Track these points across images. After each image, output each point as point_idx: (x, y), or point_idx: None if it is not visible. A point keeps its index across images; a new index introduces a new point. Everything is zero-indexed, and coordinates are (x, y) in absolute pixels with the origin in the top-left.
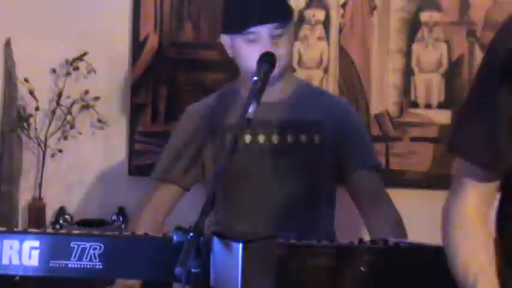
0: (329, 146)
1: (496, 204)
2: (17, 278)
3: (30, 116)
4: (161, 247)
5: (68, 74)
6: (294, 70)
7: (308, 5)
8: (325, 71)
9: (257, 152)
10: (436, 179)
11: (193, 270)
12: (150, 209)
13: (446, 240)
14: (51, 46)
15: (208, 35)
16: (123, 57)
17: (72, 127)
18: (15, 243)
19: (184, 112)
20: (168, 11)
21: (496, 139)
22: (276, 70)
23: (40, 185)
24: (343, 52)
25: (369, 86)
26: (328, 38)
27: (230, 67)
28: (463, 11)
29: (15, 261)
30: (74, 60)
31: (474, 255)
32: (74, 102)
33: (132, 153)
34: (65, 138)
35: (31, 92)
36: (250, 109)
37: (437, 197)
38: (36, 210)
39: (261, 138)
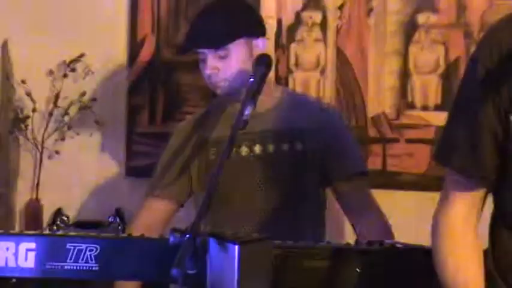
0: (312, 153)
1: (488, 214)
2: (13, 280)
3: (28, 117)
4: (157, 248)
5: (65, 75)
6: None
7: (305, 7)
8: (322, 72)
9: (240, 163)
10: (433, 181)
11: (189, 271)
12: (140, 228)
13: (434, 249)
14: (48, 47)
15: None
16: (121, 58)
17: (69, 128)
18: (11, 245)
19: (174, 129)
20: (166, 13)
21: (480, 150)
22: (222, 89)
23: (37, 186)
24: (340, 54)
25: (365, 88)
26: (325, 40)
27: None
28: (459, 13)
29: (12, 263)
30: (71, 61)
31: (461, 266)
32: (71, 104)
33: (129, 154)
34: (62, 139)
35: (28, 94)
36: (246, 111)
37: (434, 198)
38: (33, 211)
39: (244, 150)
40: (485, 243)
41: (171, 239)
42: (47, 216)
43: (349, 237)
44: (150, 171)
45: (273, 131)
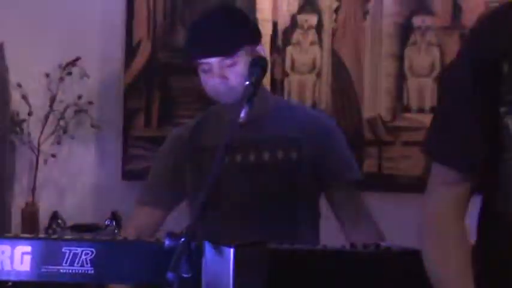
0: (307, 161)
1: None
2: (10, 284)
3: (23, 120)
4: (153, 252)
5: (61, 78)
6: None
7: (301, 10)
8: (318, 75)
9: (235, 170)
10: None
11: (185, 275)
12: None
13: (422, 247)
14: (44, 51)
15: None
16: (116, 62)
17: (65, 132)
18: (6, 248)
19: (168, 135)
20: (161, 16)
21: (466, 141)
22: (228, 98)
23: (33, 189)
24: (335, 57)
25: (361, 91)
26: (320, 43)
27: None
28: (455, 16)
29: (7, 266)
30: (67, 65)
31: (447, 260)
32: (67, 107)
33: (125, 157)
34: (58, 143)
35: (24, 97)
36: (242, 114)
37: None
38: (30, 214)
39: (238, 158)
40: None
41: (167, 242)
42: (43, 220)
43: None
44: (146, 174)
45: (268, 139)
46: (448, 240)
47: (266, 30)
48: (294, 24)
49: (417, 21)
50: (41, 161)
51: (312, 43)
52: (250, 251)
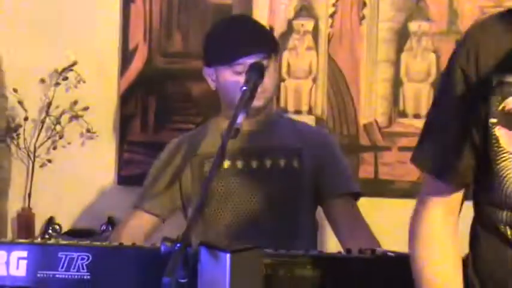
0: (307, 171)
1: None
2: None
3: (20, 126)
4: (149, 257)
5: (57, 84)
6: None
7: (297, 15)
8: (314, 80)
9: (235, 175)
10: None
11: (181, 280)
12: (125, 236)
13: (411, 255)
14: (40, 56)
15: (197, 45)
16: (113, 67)
17: (61, 137)
18: (2, 253)
19: (168, 144)
20: (158, 21)
21: (455, 153)
22: (262, 101)
23: (29, 195)
24: (331, 62)
25: (357, 96)
26: (317, 48)
27: None
28: (451, 21)
29: (3, 271)
30: (63, 70)
31: (437, 271)
32: (63, 113)
33: (121, 163)
34: (54, 148)
35: (20, 102)
36: (239, 119)
37: None
38: (26, 220)
39: (240, 164)
40: (465, 248)
41: (163, 248)
42: (39, 225)
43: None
44: (142, 179)
45: (271, 146)
46: (443, 255)
47: None
48: (290, 29)
49: (413, 26)
50: (36, 166)
51: (308, 48)
52: (246, 256)
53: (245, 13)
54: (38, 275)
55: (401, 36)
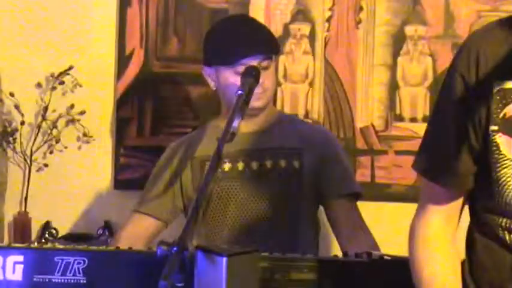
0: (308, 172)
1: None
2: None
3: (16, 130)
4: (145, 261)
5: (54, 88)
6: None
7: (293, 19)
8: (311, 84)
9: (236, 177)
10: None
11: (177, 284)
12: (126, 240)
13: (411, 259)
14: (36, 60)
15: (193, 50)
16: (109, 71)
17: (57, 141)
18: None
19: (167, 147)
20: (154, 26)
21: (455, 160)
22: (262, 102)
23: (26, 199)
24: (328, 66)
25: (354, 100)
26: (313, 52)
27: None
28: (447, 25)
29: None
30: (60, 74)
31: (437, 276)
32: (59, 117)
33: (117, 167)
34: (51, 152)
35: (16, 106)
36: (234, 123)
37: None
38: (22, 224)
39: (240, 166)
40: (463, 252)
41: (159, 251)
42: (35, 230)
43: None
44: (139, 184)
45: (271, 147)
46: (442, 261)
47: None
48: (286, 33)
49: (410, 30)
50: (33, 170)
51: (304, 52)
52: (243, 259)
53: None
54: (34, 280)
55: (398, 40)
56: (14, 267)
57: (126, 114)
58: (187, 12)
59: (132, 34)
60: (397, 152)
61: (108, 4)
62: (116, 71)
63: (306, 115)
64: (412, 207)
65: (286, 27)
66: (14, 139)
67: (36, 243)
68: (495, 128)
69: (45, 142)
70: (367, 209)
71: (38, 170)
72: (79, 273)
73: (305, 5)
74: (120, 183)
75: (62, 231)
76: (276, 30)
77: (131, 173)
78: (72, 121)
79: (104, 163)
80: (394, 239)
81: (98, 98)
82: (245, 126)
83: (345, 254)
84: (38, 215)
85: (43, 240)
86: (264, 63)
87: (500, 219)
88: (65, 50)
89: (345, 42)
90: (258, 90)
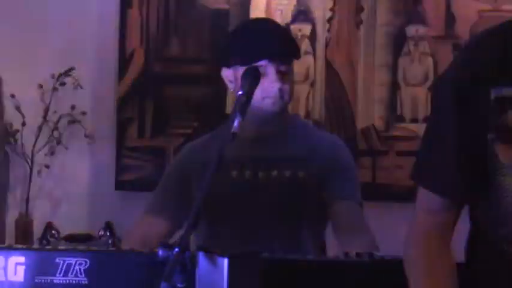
0: (313, 181)
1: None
2: None
3: (17, 131)
4: (147, 262)
5: (55, 89)
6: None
7: (294, 20)
8: (312, 85)
9: (242, 186)
10: None
11: (178, 285)
12: (138, 241)
13: (407, 269)
14: (37, 61)
15: (194, 50)
16: (110, 72)
17: (59, 142)
18: (0, 259)
19: (183, 148)
20: (155, 26)
21: (452, 169)
22: (277, 106)
23: (27, 200)
24: (329, 66)
25: (355, 100)
26: (314, 53)
27: (216, 81)
28: (448, 25)
29: (1, 277)
30: (61, 75)
31: (434, 285)
32: (60, 118)
33: (119, 168)
34: (52, 153)
35: (18, 108)
36: (235, 123)
37: None
38: (24, 225)
39: (247, 175)
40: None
41: (160, 253)
42: (37, 231)
43: None
44: (140, 184)
45: (278, 156)
46: (439, 269)
47: None
48: None
49: (410, 30)
50: (34, 171)
51: (305, 53)
52: (244, 261)
53: (243, 18)
54: (36, 281)
55: (399, 41)
56: (15, 269)
57: (127, 115)
58: (188, 13)
59: (133, 35)
60: (398, 153)
61: (109, 4)
62: (116, 72)
63: (307, 115)
64: (413, 207)
65: (287, 28)
66: (15, 140)
67: (37, 244)
68: (493, 136)
69: (46, 143)
70: (368, 210)
71: (39, 171)
72: (81, 274)
73: (306, 6)
74: (121, 184)
75: (64, 232)
76: None
77: (132, 174)
78: (73, 122)
79: (105, 164)
80: (395, 240)
81: (99, 98)
82: (258, 131)
83: (345, 254)
84: (40, 216)
85: (44, 241)
86: (283, 68)
87: (503, 229)
88: (66, 51)
89: (345, 42)
90: (275, 94)
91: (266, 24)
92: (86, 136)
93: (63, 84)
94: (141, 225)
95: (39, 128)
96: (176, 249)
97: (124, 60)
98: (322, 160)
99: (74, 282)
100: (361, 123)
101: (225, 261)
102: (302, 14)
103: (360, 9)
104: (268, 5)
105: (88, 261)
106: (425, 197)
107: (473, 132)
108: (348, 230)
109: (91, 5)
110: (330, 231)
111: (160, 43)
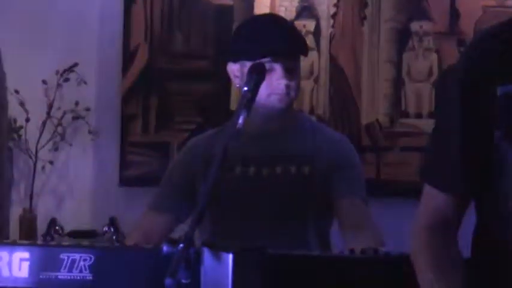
0: (319, 178)
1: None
2: None
3: (21, 127)
4: (151, 258)
5: (59, 85)
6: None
7: (298, 16)
8: (316, 81)
9: (246, 183)
10: None
11: (183, 281)
12: (141, 237)
13: (414, 263)
14: (41, 57)
15: (198, 45)
16: (114, 67)
17: (62, 138)
18: (5, 255)
19: (186, 144)
20: (159, 22)
21: (458, 165)
22: (284, 103)
23: (31, 196)
24: (333, 62)
25: (359, 96)
26: (318, 48)
27: (220, 77)
28: (453, 21)
29: (5, 273)
30: (65, 71)
31: (439, 281)
32: (64, 114)
33: (123, 164)
34: (56, 149)
35: (22, 104)
36: (240, 120)
37: None
38: (27, 222)
39: (251, 171)
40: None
41: (165, 248)
42: (41, 227)
43: None
44: (144, 180)
45: (283, 153)
46: (445, 265)
47: None
48: None
49: (415, 26)
50: (38, 167)
51: (309, 49)
52: (249, 256)
53: (247, 13)
54: (40, 276)
55: (403, 36)
56: (20, 264)
57: (131, 111)
58: (192, 9)
59: (136, 30)
60: (403, 149)
61: (113, 0)
62: (121, 67)
63: (311, 111)
64: (418, 203)
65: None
66: (19, 136)
67: (42, 240)
68: (500, 133)
69: (50, 139)
70: (372, 206)
71: (43, 167)
72: (85, 269)
73: (310, 2)
74: (126, 179)
75: (68, 228)
76: None
77: (136, 170)
78: (77, 118)
79: (109, 160)
80: (399, 236)
81: (103, 94)
82: (263, 127)
83: (351, 250)
84: (44, 212)
85: (49, 237)
86: (290, 65)
87: (506, 226)
88: (70, 47)
89: (350, 38)
90: (281, 91)
91: (275, 20)
92: (90, 132)
93: (67, 80)
94: (144, 221)
95: (43, 124)
96: (181, 245)
97: (128, 56)
98: (327, 157)
99: (78, 278)
100: (365, 119)
101: (230, 257)
102: (306, 9)
103: (364, 4)
104: (272, 0)
105: (92, 257)
106: (430, 192)
107: (479, 129)
108: (354, 227)
109: (95, 0)
110: (335, 232)
111: (165, 39)
